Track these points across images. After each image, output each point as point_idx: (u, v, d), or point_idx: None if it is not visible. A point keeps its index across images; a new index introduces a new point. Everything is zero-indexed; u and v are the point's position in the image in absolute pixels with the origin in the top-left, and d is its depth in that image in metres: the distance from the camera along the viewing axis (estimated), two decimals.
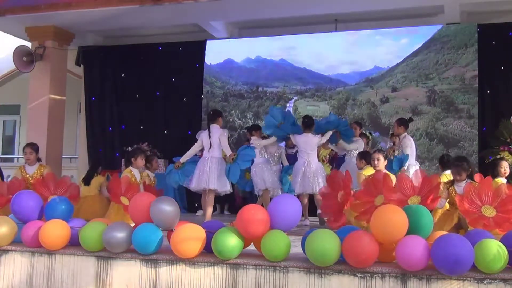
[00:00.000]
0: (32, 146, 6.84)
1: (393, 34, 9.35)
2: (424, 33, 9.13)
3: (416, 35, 9.19)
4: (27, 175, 6.62)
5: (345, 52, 9.58)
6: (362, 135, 7.91)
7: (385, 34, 9.40)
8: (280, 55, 9.98)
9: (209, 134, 6.56)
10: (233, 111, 10.03)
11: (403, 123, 7.32)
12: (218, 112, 6.92)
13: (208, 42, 9.94)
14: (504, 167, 5.79)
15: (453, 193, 5.22)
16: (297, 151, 7.48)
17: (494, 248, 3.42)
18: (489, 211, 4.44)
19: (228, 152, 6.55)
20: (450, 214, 5.40)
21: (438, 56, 9.10)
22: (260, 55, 10.08)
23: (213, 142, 6.55)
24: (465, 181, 5.19)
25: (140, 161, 6.53)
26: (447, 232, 3.97)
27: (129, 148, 7.21)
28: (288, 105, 9.85)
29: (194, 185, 6.59)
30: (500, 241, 3.54)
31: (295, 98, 9.89)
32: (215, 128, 6.60)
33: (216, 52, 10.07)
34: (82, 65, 10.53)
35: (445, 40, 9.06)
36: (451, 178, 5.46)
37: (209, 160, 6.51)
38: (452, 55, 9.00)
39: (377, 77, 9.44)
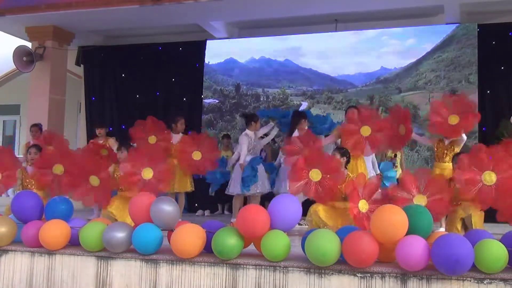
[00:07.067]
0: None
1: (400, 34, 8.98)
2: (431, 31, 8.80)
3: (423, 34, 8.80)
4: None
5: (349, 52, 9.22)
6: None
7: (390, 34, 9.04)
8: (285, 55, 9.67)
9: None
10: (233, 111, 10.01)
11: None
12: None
13: (208, 42, 9.93)
14: None
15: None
16: None
17: (494, 248, 3.42)
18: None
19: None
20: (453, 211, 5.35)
21: (476, 50, 8.35)
22: (264, 55, 9.82)
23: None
24: None
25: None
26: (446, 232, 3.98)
27: None
28: None
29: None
30: (500, 241, 3.54)
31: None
32: None
33: (220, 52, 9.91)
34: (82, 65, 10.52)
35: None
36: None
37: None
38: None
39: (391, 77, 8.88)
